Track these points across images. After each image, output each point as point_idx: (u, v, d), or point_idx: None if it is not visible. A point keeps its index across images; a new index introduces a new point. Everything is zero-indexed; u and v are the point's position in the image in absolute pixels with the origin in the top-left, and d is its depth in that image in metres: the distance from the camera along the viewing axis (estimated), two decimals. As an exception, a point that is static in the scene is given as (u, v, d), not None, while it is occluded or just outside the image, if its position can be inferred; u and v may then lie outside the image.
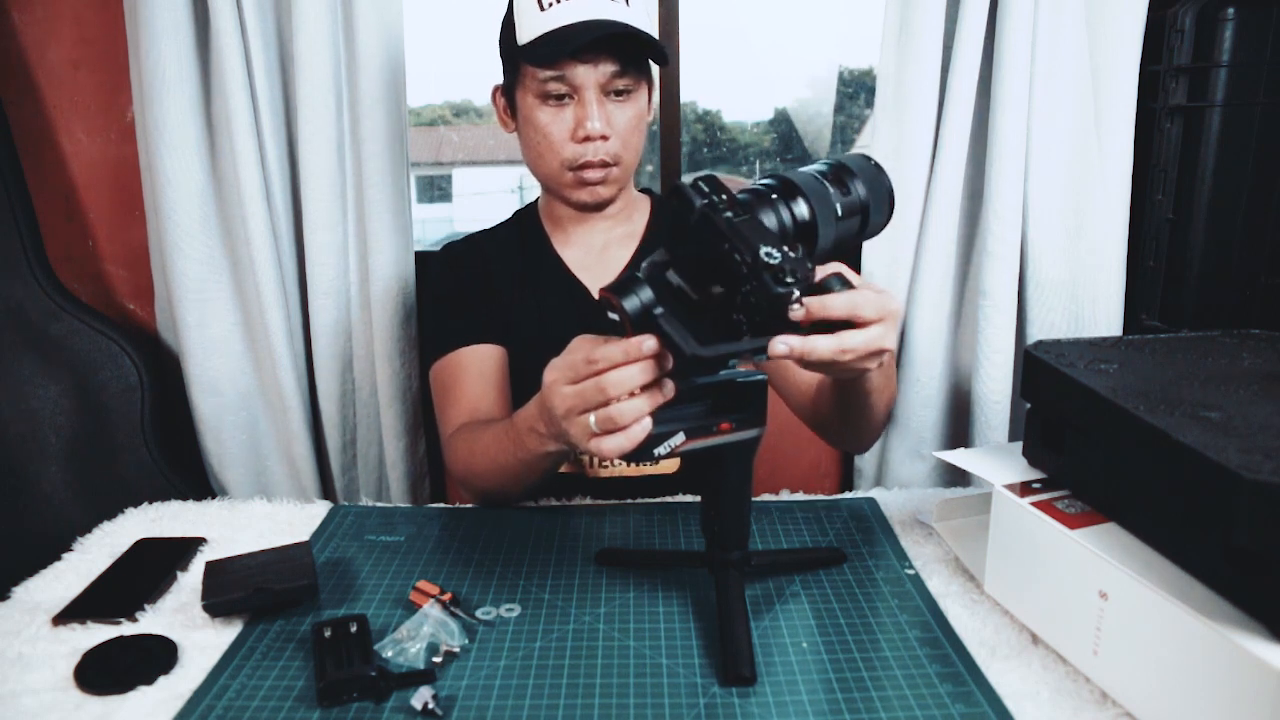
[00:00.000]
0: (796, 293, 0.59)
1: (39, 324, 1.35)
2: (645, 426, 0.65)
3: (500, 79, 1.09)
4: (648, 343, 0.64)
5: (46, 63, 1.39)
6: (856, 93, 1.86)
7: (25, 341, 1.35)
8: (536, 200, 1.17)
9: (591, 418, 0.66)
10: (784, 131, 1.99)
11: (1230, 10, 1.18)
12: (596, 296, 0.68)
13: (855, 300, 0.65)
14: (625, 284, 0.64)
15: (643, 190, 1.19)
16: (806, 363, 0.66)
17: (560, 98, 1.00)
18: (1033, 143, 1.29)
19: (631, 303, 0.63)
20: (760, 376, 0.70)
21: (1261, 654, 0.53)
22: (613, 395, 0.65)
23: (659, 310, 0.63)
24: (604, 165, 1.02)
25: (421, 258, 1.41)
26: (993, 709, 0.64)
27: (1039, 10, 1.24)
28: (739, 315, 0.61)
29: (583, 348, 0.69)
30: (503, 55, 1.07)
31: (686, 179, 0.68)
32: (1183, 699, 0.59)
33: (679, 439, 0.67)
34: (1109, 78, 1.26)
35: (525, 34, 0.98)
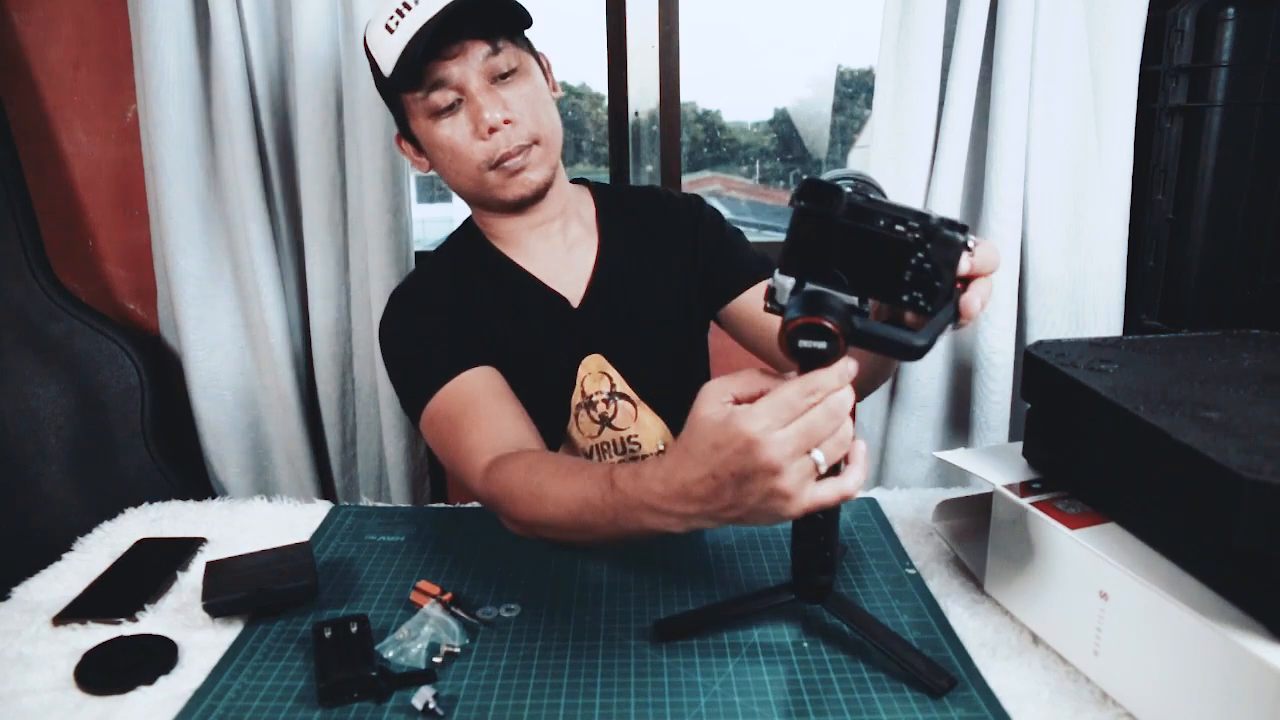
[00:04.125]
0: (973, 237, 0.58)
1: (39, 324, 1.35)
2: (865, 452, 0.62)
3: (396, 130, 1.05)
4: (851, 364, 0.59)
5: (46, 63, 1.39)
6: (856, 93, 1.86)
7: (25, 341, 1.35)
8: (464, 227, 1.11)
9: (819, 453, 0.59)
10: (784, 131, 1.99)
11: (1230, 10, 1.18)
12: (795, 329, 0.58)
13: (992, 247, 0.63)
14: (815, 305, 0.58)
15: (575, 181, 1.14)
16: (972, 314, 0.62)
17: (450, 108, 0.95)
18: (1033, 143, 1.29)
19: (841, 323, 0.57)
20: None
21: (1261, 654, 0.53)
22: (841, 421, 0.59)
23: (858, 321, 0.58)
24: (521, 149, 0.97)
25: (421, 258, 1.40)
26: (991, 710, 0.64)
27: (1039, 10, 1.24)
28: (913, 294, 0.58)
29: (765, 381, 0.61)
30: (386, 102, 1.03)
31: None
32: (1183, 699, 0.59)
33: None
34: (1109, 78, 1.26)
35: (387, 65, 0.94)
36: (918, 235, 0.57)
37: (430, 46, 0.90)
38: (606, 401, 1.04)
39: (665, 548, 0.90)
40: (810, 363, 0.58)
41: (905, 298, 0.59)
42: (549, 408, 1.03)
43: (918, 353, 0.57)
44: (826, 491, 0.59)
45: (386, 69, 0.94)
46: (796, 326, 0.57)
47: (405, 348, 1.01)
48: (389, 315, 1.03)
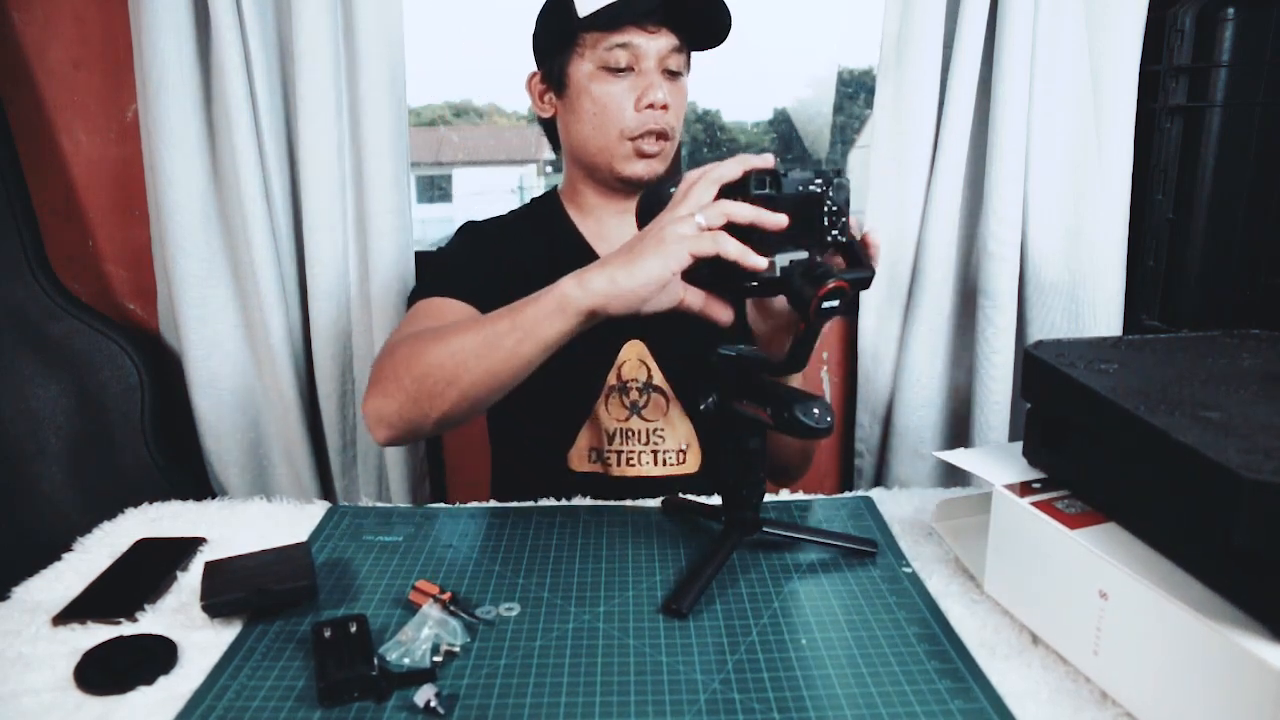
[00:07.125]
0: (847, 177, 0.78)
1: (39, 324, 1.35)
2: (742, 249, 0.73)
3: (523, 73, 1.12)
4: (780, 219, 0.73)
5: (46, 62, 1.39)
6: (856, 93, 1.86)
7: (25, 341, 1.35)
8: (554, 191, 1.16)
9: (701, 217, 0.73)
10: (784, 131, 1.99)
11: (1230, 10, 1.18)
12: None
13: None
14: (821, 273, 0.71)
15: None
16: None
17: (620, 70, 1.02)
18: (1033, 143, 1.29)
19: (845, 280, 0.72)
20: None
21: (1261, 654, 0.53)
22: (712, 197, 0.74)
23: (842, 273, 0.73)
24: (662, 136, 1.04)
25: (421, 258, 1.40)
26: (990, 704, 0.64)
27: (1039, 10, 1.24)
28: (833, 233, 0.77)
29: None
30: (549, 36, 1.08)
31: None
32: (1183, 699, 0.59)
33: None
34: (1109, 78, 1.26)
35: (588, 5, 1.01)
36: (823, 187, 0.76)
37: (642, 11, 0.99)
38: (640, 391, 1.07)
39: (664, 549, 0.90)
40: (829, 317, 0.73)
41: (829, 238, 0.77)
42: (582, 382, 1.07)
43: (871, 278, 0.77)
44: (703, 241, 0.72)
45: (584, 9, 1.00)
46: (826, 293, 0.71)
47: (447, 258, 1.12)
48: (453, 240, 1.15)
